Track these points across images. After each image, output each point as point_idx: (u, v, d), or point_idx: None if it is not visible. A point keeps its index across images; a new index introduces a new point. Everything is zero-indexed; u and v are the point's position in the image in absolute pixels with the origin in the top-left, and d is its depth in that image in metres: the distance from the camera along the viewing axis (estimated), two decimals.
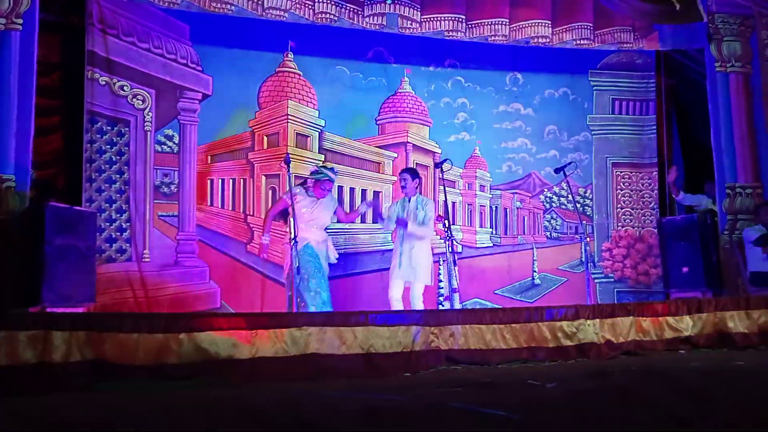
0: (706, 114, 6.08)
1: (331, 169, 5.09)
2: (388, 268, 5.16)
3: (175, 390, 3.31)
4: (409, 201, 5.16)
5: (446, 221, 4.87)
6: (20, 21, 4.54)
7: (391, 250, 5.27)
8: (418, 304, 4.98)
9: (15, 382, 3.21)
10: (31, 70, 4.57)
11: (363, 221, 6.07)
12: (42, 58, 4.71)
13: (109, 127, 5.27)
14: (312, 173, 5.07)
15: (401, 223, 5.02)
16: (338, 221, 5.34)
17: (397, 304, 4.97)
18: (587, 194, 6.62)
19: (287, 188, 4.77)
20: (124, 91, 5.34)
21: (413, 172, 5.28)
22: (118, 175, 5.28)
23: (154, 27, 5.48)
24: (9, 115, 4.45)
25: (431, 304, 5.71)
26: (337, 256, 5.01)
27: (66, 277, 4.04)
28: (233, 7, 5.33)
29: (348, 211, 5.58)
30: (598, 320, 4.30)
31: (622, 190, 6.66)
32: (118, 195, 5.27)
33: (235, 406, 2.95)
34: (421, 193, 5.30)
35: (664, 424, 2.42)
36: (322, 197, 4.95)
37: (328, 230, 5.17)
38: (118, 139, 5.31)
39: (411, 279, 5.03)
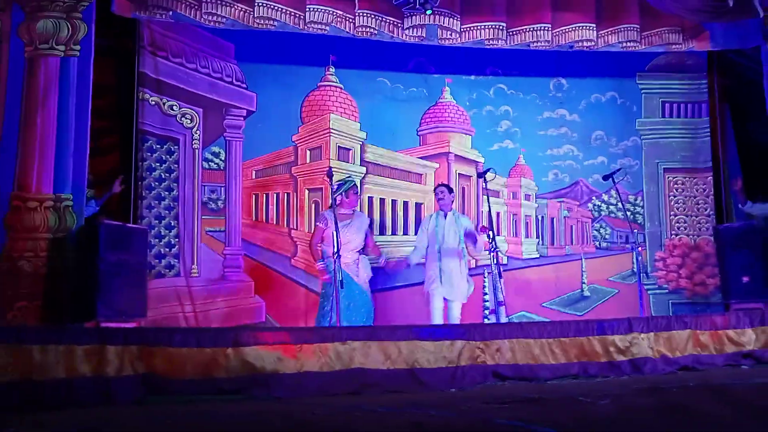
0: (765, 115, 5.79)
1: (348, 177, 5.27)
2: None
3: (224, 403, 3.37)
4: (445, 217, 5.12)
5: (490, 232, 4.80)
6: (78, 47, 4.75)
7: None
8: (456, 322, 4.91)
9: (73, 394, 3.33)
10: (87, 93, 4.76)
11: (405, 233, 6.05)
12: (97, 81, 4.90)
13: (158, 146, 5.45)
14: (338, 187, 5.05)
15: (471, 237, 4.99)
16: (365, 245, 5.36)
17: (439, 318, 4.92)
18: (638, 201, 6.40)
19: (322, 213, 5.04)
20: (173, 110, 5.52)
21: (449, 188, 5.29)
22: (167, 192, 5.45)
23: (201, 47, 5.66)
24: (67, 137, 4.65)
25: (476, 318, 5.62)
26: (370, 274, 5.00)
27: (119, 293, 4.18)
28: (276, 23, 5.44)
29: (376, 235, 5.64)
30: (652, 334, 4.14)
31: (675, 197, 6.40)
32: (167, 211, 5.43)
33: (282, 420, 2.97)
34: (456, 209, 5.28)
35: None
36: (355, 205, 5.05)
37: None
38: (168, 157, 5.49)
39: (449, 297, 4.99)
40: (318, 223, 5.05)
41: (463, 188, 6.29)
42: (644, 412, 2.95)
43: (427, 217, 5.45)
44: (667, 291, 6.24)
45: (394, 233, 6.04)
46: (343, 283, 4.40)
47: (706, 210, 6.34)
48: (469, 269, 5.73)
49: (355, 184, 5.14)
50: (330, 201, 5.06)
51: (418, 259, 5.31)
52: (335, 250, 4.44)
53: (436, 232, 5.08)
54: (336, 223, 4.52)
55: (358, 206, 5.19)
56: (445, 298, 5.00)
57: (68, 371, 3.35)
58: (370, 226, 5.31)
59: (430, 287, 5.00)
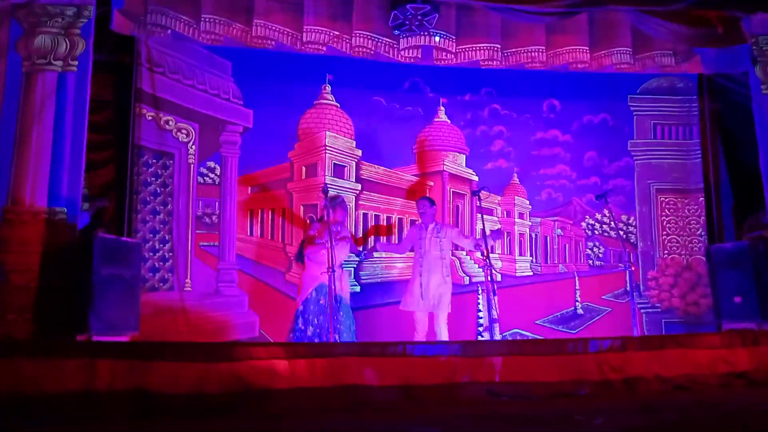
0: (754, 138, 5.88)
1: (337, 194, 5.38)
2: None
3: (216, 419, 3.32)
4: (427, 229, 5.16)
5: (485, 250, 4.82)
6: (75, 63, 4.79)
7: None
8: (444, 334, 4.91)
9: (62, 409, 3.28)
10: (83, 107, 4.79)
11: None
12: (94, 96, 4.93)
13: (154, 160, 5.46)
14: (332, 199, 5.08)
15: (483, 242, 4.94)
16: (354, 253, 5.43)
17: (423, 332, 4.92)
18: (631, 221, 6.45)
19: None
20: (169, 125, 5.54)
21: (431, 200, 5.34)
22: (162, 206, 5.44)
23: (198, 64, 5.70)
24: (63, 151, 4.66)
25: (470, 335, 5.60)
26: (356, 289, 5.04)
27: (112, 307, 4.15)
28: (273, 42, 5.51)
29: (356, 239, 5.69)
30: (646, 353, 4.13)
31: (667, 217, 6.45)
32: (161, 225, 5.42)
33: None
34: (437, 222, 5.31)
35: None
36: (343, 220, 5.10)
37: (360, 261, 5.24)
38: (163, 171, 5.50)
39: (433, 309, 4.98)
40: (310, 231, 5.11)
41: (457, 206, 6.33)
42: None
43: (410, 230, 5.48)
44: (659, 310, 6.25)
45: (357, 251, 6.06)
46: (338, 298, 4.40)
47: (698, 230, 6.39)
48: (463, 286, 5.75)
49: (342, 200, 5.17)
50: (323, 215, 5.09)
51: (387, 248, 5.52)
52: (329, 265, 4.44)
53: (419, 245, 5.11)
54: (331, 238, 4.54)
55: (349, 223, 5.22)
56: (430, 312, 5.01)
57: (58, 385, 3.30)
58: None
59: (412, 301, 5.01)
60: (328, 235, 4.58)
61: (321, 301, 4.78)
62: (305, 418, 3.34)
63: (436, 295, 4.99)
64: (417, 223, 5.50)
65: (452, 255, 5.61)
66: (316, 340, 4.77)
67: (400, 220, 6.16)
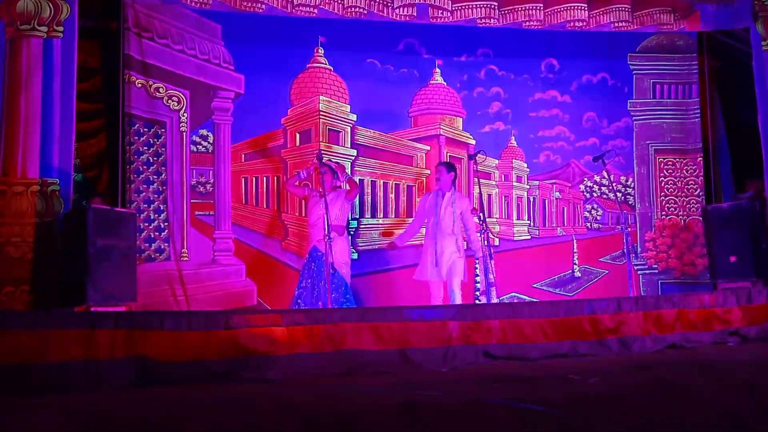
0: (754, 96, 5.80)
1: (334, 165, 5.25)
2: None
3: (216, 386, 3.36)
4: (443, 197, 5.07)
5: (481, 214, 4.80)
6: (61, 29, 4.66)
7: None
8: (458, 299, 4.92)
9: (63, 378, 3.32)
10: (71, 75, 4.68)
11: (397, 215, 6.04)
12: (81, 63, 4.83)
13: (146, 129, 5.38)
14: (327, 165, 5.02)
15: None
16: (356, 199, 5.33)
17: (438, 300, 4.92)
18: (629, 182, 6.42)
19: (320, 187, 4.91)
20: (159, 93, 5.44)
21: (449, 166, 5.17)
22: (155, 176, 5.39)
23: (187, 29, 5.56)
24: (52, 121, 4.58)
25: (468, 299, 5.63)
26: (352, 257, 4.98)
27: (109, 277, 4.15)
28: (263, 6, 5.35)
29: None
30: (641, 313, 4.17)
31: (665, 178, 6.43)
32: (155, 195, 5.39)
33: (274, 403, 2.97)
34: (456, 189, 5.22)
35: (715, 420, 2.33)
36: (329, 186, 4.97)
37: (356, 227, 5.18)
38: (155, 140, 5.43)
39: (446, 277, 4.97)
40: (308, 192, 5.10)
41: (456, 172, 6.27)
42: (633, 389, 2.98)
43: (424, 196, 5.41)
44: (656, 271, 6.28)
45: (385, 216, 6.03)
46: (334, 266, 4.39)
47: (696, 191, 6.37)
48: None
49: (318, 166, 4.97)
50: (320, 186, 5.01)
51: (406, 240, 5.30)
52: (326, 233, 4.42)
53: (434, 212, 5.02)
54: (326, 207, 4.50)
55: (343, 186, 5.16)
56: (444, 281, 4.99)
57: (59, 355, 3.33)
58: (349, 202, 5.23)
59: (425, 270, 4.97)
60: (325, 204, 4.54)
61: (312, 266, 4.77)
62: (303, 383, 3.38)
63: (449, 262, 4.94)
64: (431, 191, 5.39)
65: None
66: (301, 303, 4.77)
67: (397, 185, 6.12)
